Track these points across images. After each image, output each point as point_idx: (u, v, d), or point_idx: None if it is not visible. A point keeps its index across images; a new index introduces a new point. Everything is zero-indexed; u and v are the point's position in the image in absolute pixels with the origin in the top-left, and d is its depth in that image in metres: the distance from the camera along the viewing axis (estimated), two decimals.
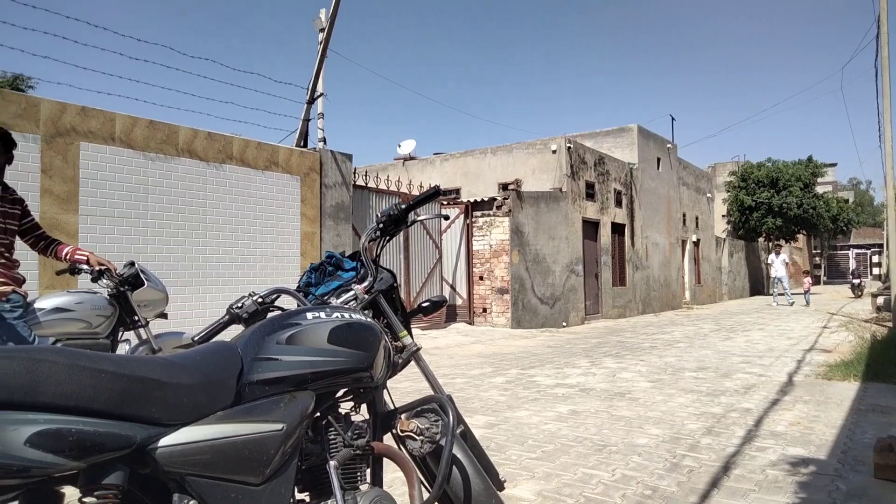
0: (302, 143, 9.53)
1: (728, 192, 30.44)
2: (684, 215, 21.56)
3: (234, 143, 8.15)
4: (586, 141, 17.03)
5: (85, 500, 1.04)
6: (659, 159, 19.30)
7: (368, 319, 1.68)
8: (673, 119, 22.55)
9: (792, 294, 20.16)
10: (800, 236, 33.77)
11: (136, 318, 3.93)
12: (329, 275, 2.10)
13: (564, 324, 13.44)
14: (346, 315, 1.59)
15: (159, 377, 1.16)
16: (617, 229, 16.51)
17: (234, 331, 1.70)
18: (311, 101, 9.70)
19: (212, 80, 28.08)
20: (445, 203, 12.80)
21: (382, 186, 10.86)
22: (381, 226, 2.01)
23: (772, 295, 20.84)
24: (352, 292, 1.94)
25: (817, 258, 45.63)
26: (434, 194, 2.08)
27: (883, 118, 11.09)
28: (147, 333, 3.99)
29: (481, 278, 12.44)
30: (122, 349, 4.11)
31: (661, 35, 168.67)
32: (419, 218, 2.09)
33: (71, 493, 1.12)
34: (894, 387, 5.92)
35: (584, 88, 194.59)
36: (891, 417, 4.71)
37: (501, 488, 2.02)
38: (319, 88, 9.76)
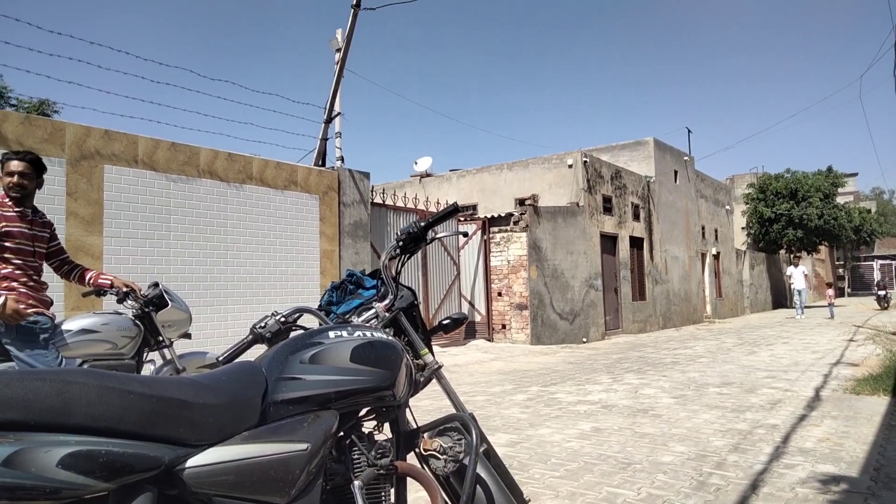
0: (320, 163, 9.62)
1: (747, 203, 30.15)
2: (703, 228, 21.38)
3: (254, 164, 8.24)
4: (602, 155, 17.01)
5: None
6: (676, 172, 19.20)
7: (390, 338, 1.68)
8: (689, 131, 22.33)
9: (806, 308, 19.83)
10: (822, 248, 33.27)
11: (161, 338, 3.97)
12: (350, 293, 2.10)
13: (584, 339, 13.34)
14: (368, 334, 1.60)
15: (186, 398, 1.17)
16: (635, 243, 16.41)
17: (257, 350, 1.71)
18: (329, 120, 9.80)
19: (232, 102, 28.57)
20: (462, 219, 12.82)
21: (400, 204, 10.91)
22: (400, 244, 2.01)
23: (794, 308, 20.55)
24: (373, 310, 1.94)
25: (840, 270, 44.89)
26: (453, 211, 2.08)
27: None
28: (171, 353, 4.02)
29: (500, 294, 12.40)
30: (147, 369, 4.14)
31: (677, 47, 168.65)
32: (438, 235, 2.09)
33: None
34: None
35: (600, 103, 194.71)
36: None
37: None
38: (337, 108, 9.86)
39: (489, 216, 12.74)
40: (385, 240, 10.14)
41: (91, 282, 3.81)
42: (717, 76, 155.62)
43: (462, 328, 11.52)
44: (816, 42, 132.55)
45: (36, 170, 3.46)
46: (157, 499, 1.08)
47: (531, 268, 12.12)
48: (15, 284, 3.32)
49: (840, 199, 30.43)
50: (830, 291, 20.97)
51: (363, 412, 1.67)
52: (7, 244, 3.31)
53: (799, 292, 19.62)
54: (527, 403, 6.14)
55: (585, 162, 14.10)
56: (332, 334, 1.53)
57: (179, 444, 1.13)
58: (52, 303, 3.55)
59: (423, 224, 2.01)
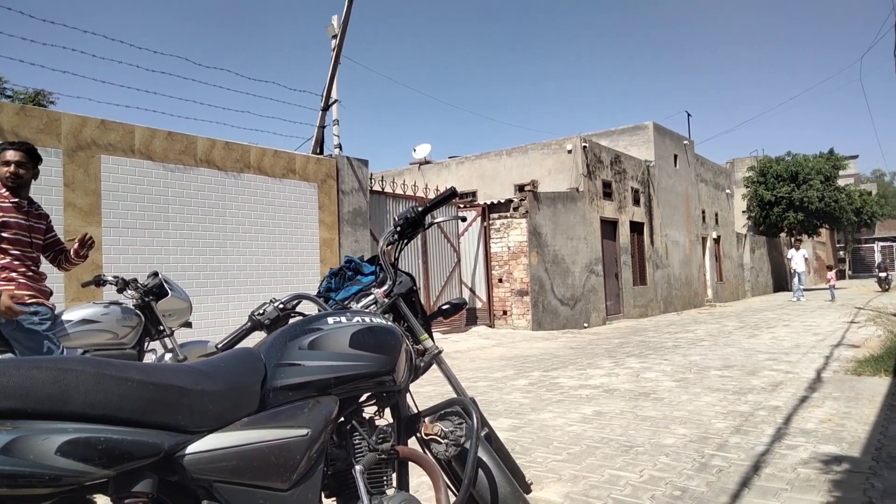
0: (318, 150, 9.58)
1: (747, 187, 30.07)
2: (703, 212, 21.35)
3: (252, 152, 8.21)
4: (602, 140, 16.94)
5: None
6: (676, 156, 19.14)
7: (389, 323, 1.67)
8: (689, 115, 22.18)
9: (807, 291, 19.83)
10: (822, 230, 33.24)
11: (161, 327, 3.98)
12: (348, 279, 2.10)
13: (586, 325, 13.35)
14: (367, 319, 1.60)
15: (185, 384, 1.17)
16: (636, 228, 16.39)
17: (256, 337, 1.71)
18: (326, 107, 9.75)
19: (228, 90, 28.48)
20: (462, 206, 12.79)
21: (399, 191, 10.88)
22: (398, 229, 1.99)
23: (792, 291, 20.58)
24: (371, 296, 1.93)
25: (841, 252, 44.90)
26: (450, 196, 2.07)
27: None
28: (172, 343, 4.03)
29: (500, 280, 12.40)
30: (149, 359, 4.15)
31: (675, 31, 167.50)
32: (436, 220, 2.08)
33: (102, 501, 1.12)
34: None
35: (599, 87, 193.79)
36: None
37: (528, 491, 2.00)
38: (334, 95, 9.81)
39: (489, 202, 12.70)
40: (384, 227, 10.12)
41: (73, 254, 3.74)
42: (716, 60, 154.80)
43: (463, 314, 11.53)
44: (817, 24, 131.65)
45: (31, 160, 3.45)
46: (157, 485, 1.08)
47: (531, 254, 12.10)
48: (14, 275, 3.32)
49: (841, 182, 30.35)
50: (831, 274, 20.98)
51: (364, 397, 1.66)
52: (4, 234, 3.30)
53: (798, 275, 19.63)
54: (528, 388, 6.15)
55: (585, 147, 14.04)
56: (330, 320, 1.53)
57: (179, 431, 1.12)
58: (51, 293, 3.54)
59: (420, 209, 1.99)
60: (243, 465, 1.19)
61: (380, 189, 10.44)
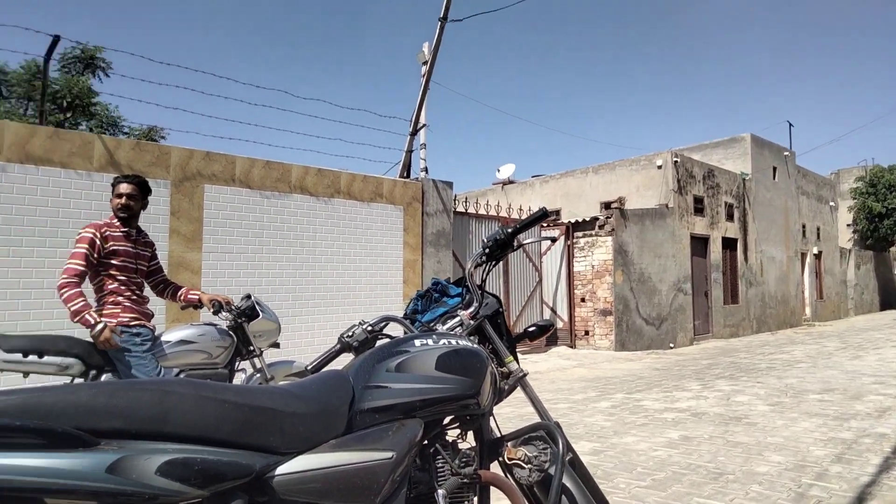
0: (405, 174, 9.82)
1: (854, 199, 28.25)
2: (804, 226, 20.23)
3: (342, 178, 8.54)
4: (694, 154, 16.44)
5: None
6: (775, 168, 18.30)
7: (475, 345, 1.68)
8: (791, 125, 21.13)
9: None
10: None
11: (252, 347, 4.15)
12: (435, 301, 2.12)
13: (672, 345, 12.91)
14: (453, 341, 1.61)
15: (278, 406, 1.21)
16: (728, 244, 15.74)
17: (345, 359, 1.76)
18: (415, 132, 9.97)
19: (322, 119, 29.59)
20: (545, 225, 12.72)
21: (482, 212, 10.96)
22: (487, 251, 2.01)
23: None
24: (457, 318, 1.94)
25: None
26: (541, 216, 2.04)
27: None
28: (261, 362, 4.20)
29: (583, 300, 12.22)
30: (238, 378, 4.34)
31: (774, 37, 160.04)
32: (525, 241, 2.07)
33: None
34: None
35: (692, 100, 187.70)
36: None
37: None
38: (422, 120, 10.01)
39: (573, 221, 12.59)
40: (467, 248, 10.22)
41: (181, 297, 4.06)
42: (819, 65, 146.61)
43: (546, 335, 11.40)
44: None
45: (142, 192, 3.74)
46: None
47: (616, 272, 11.87)
48: (120, 298, 3.59)
49: None
50: None
51: (447, 420, 1.67)
52: (114, 262, 3.59)
53: None
54: (611, 411, 6.03)
55: (676, 162, 13.68)
56: (417, 342, 1.55)
57: (270, 452, 1.16)
58: (153, 315, 3.79)
59: (510, 230, 2.00)
60: (330, 486, 1.21)
61: (463, 210, 10.57)
